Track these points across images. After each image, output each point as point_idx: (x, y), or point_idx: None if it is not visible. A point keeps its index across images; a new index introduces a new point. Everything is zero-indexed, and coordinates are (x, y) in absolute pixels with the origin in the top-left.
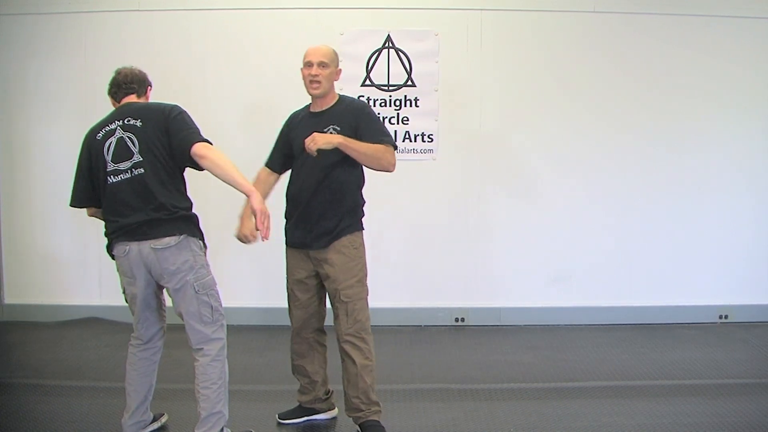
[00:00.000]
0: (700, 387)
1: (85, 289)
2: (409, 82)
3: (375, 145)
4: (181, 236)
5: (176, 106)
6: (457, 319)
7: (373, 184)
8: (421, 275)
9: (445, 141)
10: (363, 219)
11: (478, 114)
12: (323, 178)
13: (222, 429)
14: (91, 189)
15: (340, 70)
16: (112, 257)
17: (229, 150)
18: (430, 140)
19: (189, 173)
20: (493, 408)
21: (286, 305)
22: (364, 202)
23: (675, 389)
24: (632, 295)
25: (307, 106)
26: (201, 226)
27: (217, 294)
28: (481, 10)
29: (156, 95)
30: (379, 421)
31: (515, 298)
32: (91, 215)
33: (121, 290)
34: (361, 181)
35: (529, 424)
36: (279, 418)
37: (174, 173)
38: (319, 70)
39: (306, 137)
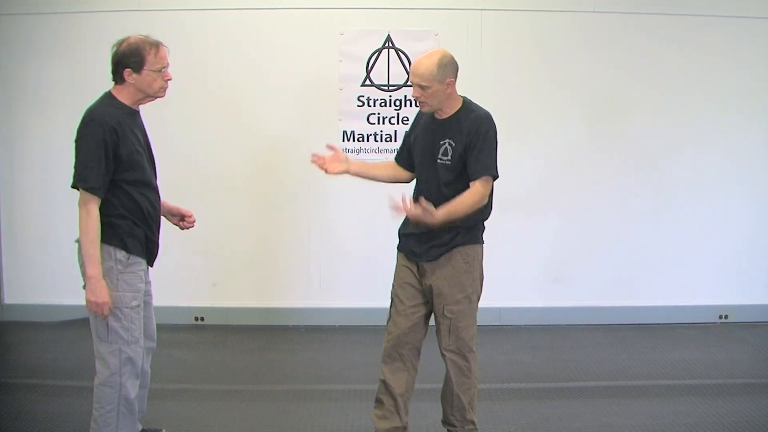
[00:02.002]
0: (700, 387)
1: None
2: (409, 83)
3: (466, 198)
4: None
5: (84, 121)
6: None
7: (375, 184)
8: None
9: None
10: (481, 231)
11: None
12: (438, 193)
13: None
14: None
15: (451, 81)
16: None
17: (230, 150)
18: None
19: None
20: (493, 408)
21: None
22: (489, 213)
23: (675, 389)
24: (632, 295)
25: None
26: (122, 234)
27: (125, 316)
28: (481, 10)
29: None
30: None
31: (515, 298)
32: None
33: None
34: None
35: (529, 424)
36: None
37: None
38: (419, 92)
39: (425, 145)
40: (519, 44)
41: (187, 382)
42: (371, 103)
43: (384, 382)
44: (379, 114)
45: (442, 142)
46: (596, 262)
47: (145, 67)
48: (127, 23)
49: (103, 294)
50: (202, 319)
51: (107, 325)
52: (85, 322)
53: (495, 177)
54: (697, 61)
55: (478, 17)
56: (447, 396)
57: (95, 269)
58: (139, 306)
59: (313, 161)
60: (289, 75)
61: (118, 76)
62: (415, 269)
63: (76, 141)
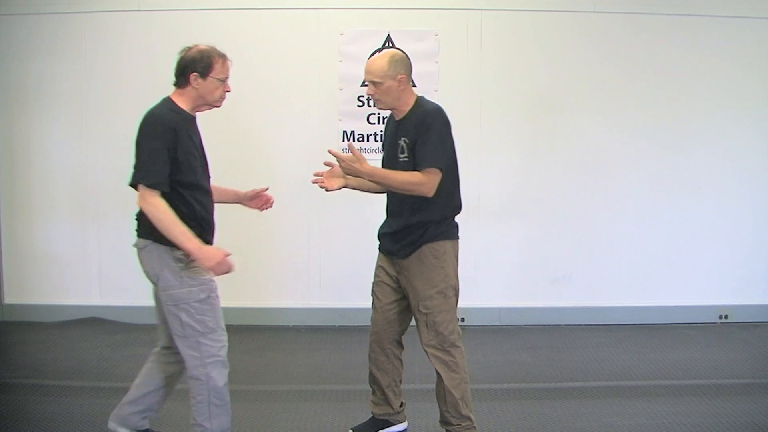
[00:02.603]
0: (699, 387)
1: (85, 289)
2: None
3: (403, 175)
4: (148, 241)
5: (144, 122)
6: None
7: None
8: None
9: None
10: (454, 227)
11: (478, 114)
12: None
13: None
14: None
15: (403, 77)
16: None
17: (230, 149)
18: None
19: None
20: (493, 408)
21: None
22: (457, 209)
23: (675, 389)
24: (632, 295)
25: None
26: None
27: (196, 310)
28: (481, 10)
29: (156, 95)
30: None
31: (515, 298)
32: None
33: None
34: (448, 188)
35: (529, 424)
36: (352, 431)
37: None
38: (373, 89)
39: (389, 146)
40: (519, 44)
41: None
42: (371, 103)
43: (373, 375)
44: (379, 114)
45: (399, 142)
46: (596, 262)
47: (210, 74)
48: (127, 23)
49: (214, 253)
50: None
51: (180, 320)
52: (85, 322)
53: (440, 170)
54: (697, 61)
55: (478, 17)
56: (440, 394)
57: (192, 242)
58: (208, 297)
59: (314, 182)
60: (289, 75)
61: (183, 80)
62: (391, 268)
63: (137, 141)
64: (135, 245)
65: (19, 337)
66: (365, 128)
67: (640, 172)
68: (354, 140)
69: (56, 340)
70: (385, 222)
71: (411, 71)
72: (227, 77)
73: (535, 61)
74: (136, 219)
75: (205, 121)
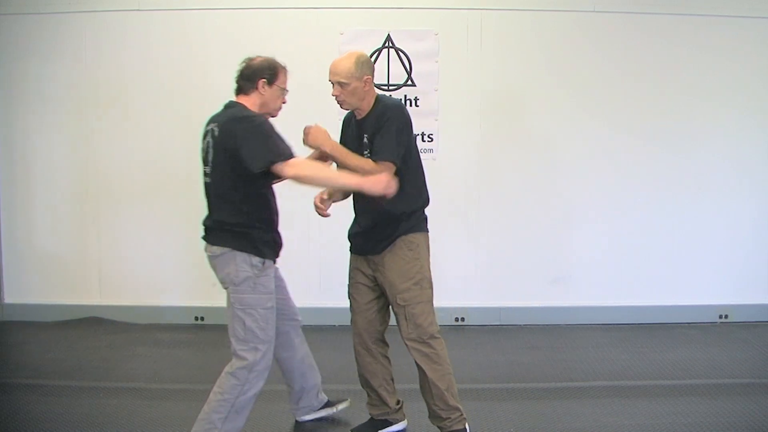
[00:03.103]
0: (699, 387)
1: (85, 289)
2: (409, 82)
3: (364, 162)
4: (225, 249)
5: (245, 119)
6: (457, 319)
7: None
8: None
9: (445, 141)
10: (424, 220)
11: (479, 114)
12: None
13: None
14: None
15: (368, 78)
16: None
17: None
18: (430, 140)
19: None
20: (493, 408)
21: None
22: (426, 202)
23: (675, 389)
24: (632, 295)
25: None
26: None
27: (261, 316)
28: (481, 10)
29: (156, 95)
30: (462, 429)
31: (515, 298)
32: None
33: None
34: (416, 182)
35: (529, 424)
36: None
37: (237, 187)
38: (339, 89)
39: (353, 145)
40: (519, 44)
41: (187, 382)
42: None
43: (363, 377)
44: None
45: (363, 139)
46: (596, 262)
47: (276, 83)
48: (127, 23)
49: (378, 178)
50: (202, 319)
51: (245, 324)
52: (85, 321)
53: (394, 163)
54: (697, 61)
55: (478, 17)
56: (425, 387)
57: (353, 178)
58: (272, 307)
59: (322, 215)
60: (289, 75)
61: (250, 85)
62: (365, 267)
63: (251, 130)
64: (209, 252)
65: (19, 337)
66: None
67: (641, 171)
68: None
69: (56, 340)
70: (354, 222)
71: (374, 72)
72: (287, 89)
73: (535, 60)
74: (208, 226)
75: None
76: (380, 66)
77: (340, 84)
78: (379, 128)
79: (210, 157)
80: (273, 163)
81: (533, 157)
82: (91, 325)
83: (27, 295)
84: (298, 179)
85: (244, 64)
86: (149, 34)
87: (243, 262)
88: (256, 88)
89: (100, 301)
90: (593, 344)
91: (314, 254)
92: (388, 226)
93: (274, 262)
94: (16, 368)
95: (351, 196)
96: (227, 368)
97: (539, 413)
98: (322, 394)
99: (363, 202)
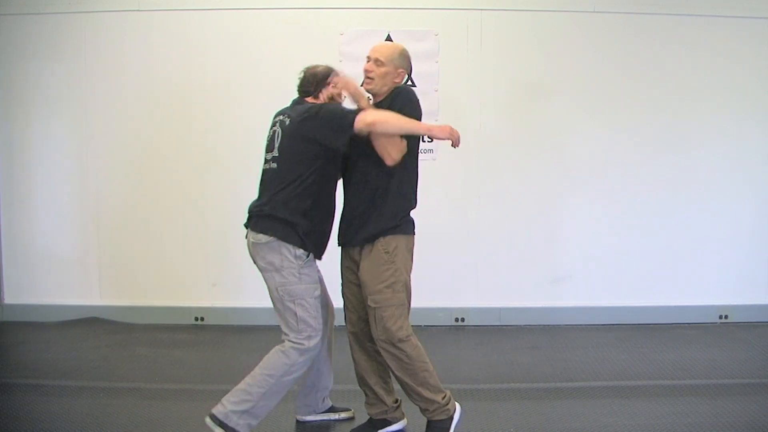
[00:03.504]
0: (699, 387)
1: (85, 289)
2: (409, 82)
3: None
4: (271, 237)
5: (313, 107)
6: (457, 319)
7: None
8: (421, 275)
9: (445, 141)
10: (408, 222)
11: (478, 114)
12: (359, 176)
13: (242, 413)
14: None
15: (402, 71)
16: None
17: (230, 150)
18: (430, 140)
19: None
20: (493, 408)
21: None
22: (412, 204)
23: (675, 389)
24: (632, 295)
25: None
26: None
27: (311, 305)
28: (481, 10)
29: (156, 95)
30: (444, 419)
31: (515, 298)
32: None
33: None
34: (410, 182)
35: (529, 424)
36: None
37: (303, 177)
38: (373, 66)
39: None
40: (519, 44)
41: (187, 382)
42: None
43: (360, 377)
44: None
45: None
46: (596, 262)
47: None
48: (127, 23)
49: (444, 126)
50: (202, 319)
51: (296, 315)
52: (85, 321)
53: (406, 141)
54: (697, 61)
55: (478, 17)
56: (400, 385)
57: (421, 124)
58: (319, 296)
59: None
60: (289, 75)
61: (319, 89)
62: (354, 266)
63: (321, 110)
64: (253, 239)
65: (19, 337)
66: None
67: (641, 171)
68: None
69: (56, 340)
70: (341, 218)
71: (411, 73)
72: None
73: (535, 60)
74: (257, 213)
75: (205, 120)
76: None
77: (377, 61)
78: (396, 107)
79: (277, 144)
80: (354, 121)
81: (533, 157)
82: (91, 325)
83: (27, 295)
84: (375, 125)
85: (308, 74)
86: (149, 34)
87: (288, 252)
88: (326, 90)
89: (100, 301)
90: (593, 344)
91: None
92: (371, 218)
93: (319, 257)
94: (16, 368)
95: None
96: (277, 347)
97: (539, 413)
98: (328, 399)
99: (352, 192)
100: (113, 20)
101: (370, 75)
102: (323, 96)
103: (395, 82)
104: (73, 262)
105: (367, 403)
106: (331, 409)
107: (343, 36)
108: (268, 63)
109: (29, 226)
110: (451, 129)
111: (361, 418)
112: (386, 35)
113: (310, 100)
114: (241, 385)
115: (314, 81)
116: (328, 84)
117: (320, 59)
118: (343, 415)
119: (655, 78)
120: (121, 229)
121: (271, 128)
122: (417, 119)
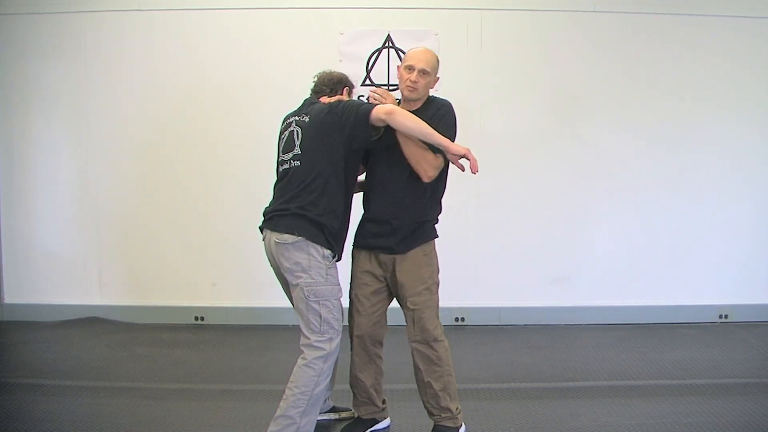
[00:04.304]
0: (699, 387)
1: (85, 289)
2: (408, 66)
3: (426, 127)
4: (299, 237)
5: (333, 104)
6: (457, 319)
7: None
8: None
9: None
10: (436, 226)
11: (479, 114)
12: (395, 182)
13: None
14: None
15: (438, 78)
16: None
17: (231, 150)
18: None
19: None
20: (493, 408)
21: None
22: (441, 210)
23: (675, 389)
24: (632, 295)
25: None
26: (334, 237)
27: (335, 306)
28: (481, 10)
29: (156, 95)
30: (451, 427)
31: (515, 298)
32: None
33: None
34: (442, 190)
35: (529, 423)
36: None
37: (330, 176)
38: (418, 77)
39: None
40: (519, 44)
41: (187, 382)
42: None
43: (356, 378)
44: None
45: None
46: (596, 262)
47: (352, 95)
48: (127, 23)
49: (459, 146)
50: (202, 319)
51: (320, 316)
52: (85, 321)
53: (443, 157)
54: (697, 61)
55: (478, 17)
56: (420, 385)
57: (436, 134)
58: (340, 298)
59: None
60: (289, 75)
61: (338, 91)
62: (375, 268)
63: (341, 102)
64: (278, 239)
65: (19, 337)
66: None
67: (640, 171)
68: None
69: (56, 340)
70: (371, 222)
71: None
72: None
73: (535, 60)
74: (281, 213)
75: (205, 120)
76: (380, 66)
77: (424, 72)
78: (436, 118)
79: (298, 143)
80: (371, 108)
81: (533, 157)
82: (91, 325)
83: (27, 295)
84: (392, 114)
85: (325, 76)
86: (149, 34)
87: (316, 253)
88: (342, 95)
89: (100, 301)
90: (593, 344)
91: None
92: (416, 229)
93: (340, 258)
94: (16, 368)
95: (363, 191)
96: (300, 362)
97: (539, 413)
98: (330, 400)
99: (388, 202)
100: (113, 20)
101: (415, 85)
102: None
103: (432, 89)
104: (73, 262)
105: (356, 404)
106: (333, 410)
107: (343, 36)
108: (269, 63)
109: (29, 226)
110: (468, 150)
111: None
112: (386, 35)
113: (324, 99)
114: (279, 411)
115: (330, 83)
116: (345, 88)
117: (320, 59)
118: (344, 415)
119: (655, 78)
120: (121, 229)
121: (285, 129)
122: (451, 138)
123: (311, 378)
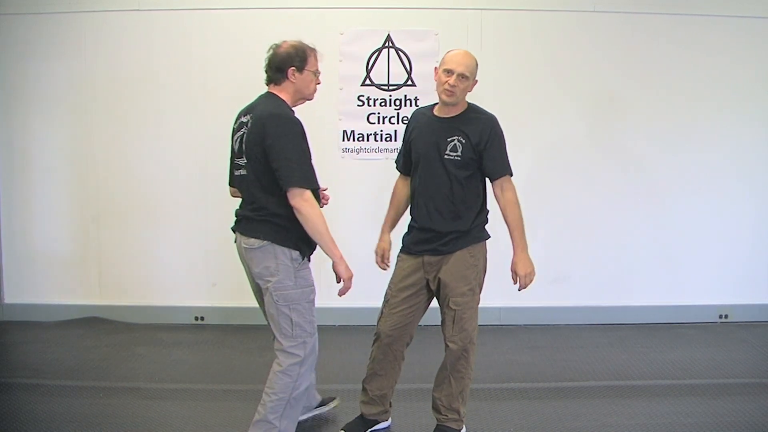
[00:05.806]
0: (699, 387)
1: (85, 289)
2: (409, 82)
3: (511, 207)
4: (265, 242)
5: (280, 123)
6: None
7: (375, 183)
8: None
9: None
10: (486, 227)
11: None
12: (449, 190)
13: None
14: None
15: (477, 81)
16: None
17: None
18: None
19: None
20: (493, 408)
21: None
22: (486, 212)
23: (675, 389)
24: (632, 295)
25: (431, 107)
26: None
27: (306, 309)
28: (481, 10)
29: (156, 95)
30: (454, 429)
31: (515, 298)
32: (233, 195)
33: None
34: (483, 192)
35: (529, 424)
36: (344, 430)
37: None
38: (457, 81)
39: (429, 142)
40: (519, 44)
41: (187, 382)
42: (371, 102)
43: (375, 375)
44: (379, 114)
45: (450, 139)
46: (596, 262)
47: (306, 68)
48: (127, 23)
49: (349, 271)
50: (202, 319)
51: (292, 320)
52: (85, 321)
53: (511, 175)
54: (697, 61)
55: (478, 17)
56: (439, 380)
57: (334, 249)
58: (314, 300)
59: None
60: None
61: (280, 75)
62: (420, 270)
63: (281, 140)
64: (245, 244)
65: (19, 337)
66: (365, 128)
67: (640, 171)
68: (354, 140)
69: (56, 340)
70: (417, 229)
71: None
72: (319, 70)
73: (535, 60)
74: (245, 217)
75: (205, 120)
76: (380, 66)
77: (464, 76)
78: (491, 142)
79: (245, 149)
80: (299, 186)
81: (532, 157)
82: (91, 325)
83: (27, 295)
84: (300, 211)
85: (271, 52)
86: (149, 34)
87: (283, 256)
88: (287, 78)
89: (100, 301)
90: (593, 344)
91: (314, 254)
92: (456, 234)
93: (309, 258)
94: (16, 368)
95: (416, 186)
96: (275, 367)
97: (539, 413)
98: (317, 393)
99: (436, 208)
100: (113, 20)
101: (454, 89)
102: (289, 86)
103: (470, 92)
104: (73, 262)
105: (366, 402)
106: (321, 403)
107: (343, 36)
108: None
109: (29, 226)
110: (350, 281)
111: (344, 408)
112: (386, 35)
113: (274, 89)
114: (258, 416)
115: (275, 66)
116: (290, 69)
117: (320, 59)
118: (332, 404)
119: (655, 78)
120: (121, 229)
121: (237, 130)
122: (508, 164)
123: (288, 384)
